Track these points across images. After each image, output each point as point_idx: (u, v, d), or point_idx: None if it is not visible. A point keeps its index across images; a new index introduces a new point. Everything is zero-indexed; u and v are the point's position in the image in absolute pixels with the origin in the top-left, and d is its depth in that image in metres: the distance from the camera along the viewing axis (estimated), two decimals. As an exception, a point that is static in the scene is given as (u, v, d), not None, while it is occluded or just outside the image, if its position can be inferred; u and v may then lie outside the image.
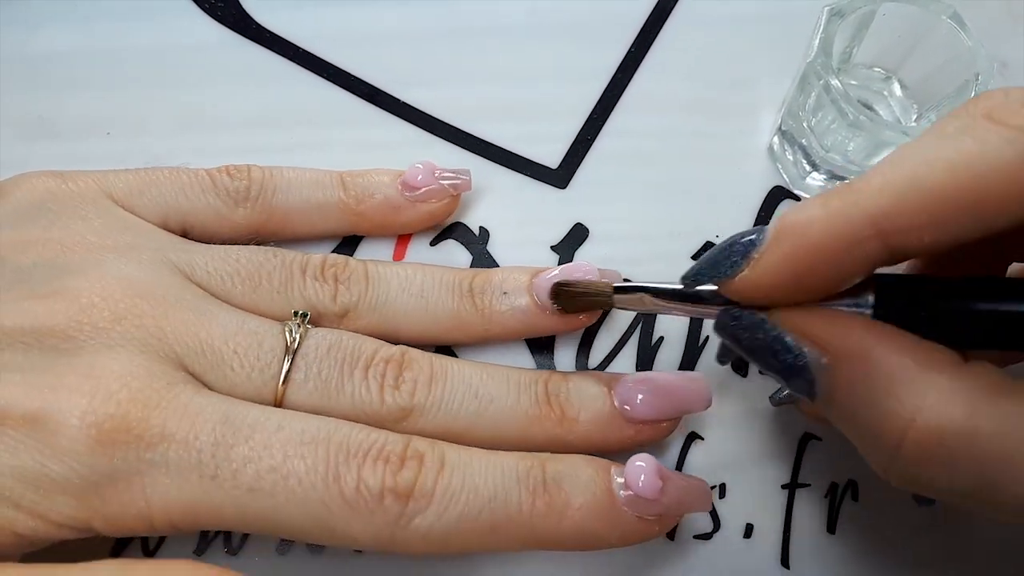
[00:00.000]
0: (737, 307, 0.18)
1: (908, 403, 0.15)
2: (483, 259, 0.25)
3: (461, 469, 0.19)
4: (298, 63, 0.26)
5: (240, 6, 0.27)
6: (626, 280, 0.22)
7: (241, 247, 0.22)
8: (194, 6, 0.27)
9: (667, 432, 0.22)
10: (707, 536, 0.23)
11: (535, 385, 0.21)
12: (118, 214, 0.22)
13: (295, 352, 0.20)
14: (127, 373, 0.18)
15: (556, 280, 0.22)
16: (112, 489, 0.18)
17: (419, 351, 0.21)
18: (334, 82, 0.26)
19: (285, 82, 0.26)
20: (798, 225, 0.16)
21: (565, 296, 0.22)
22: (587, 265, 0.23)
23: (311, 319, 0.21)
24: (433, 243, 0.25)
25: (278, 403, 0.20)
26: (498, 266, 0.25)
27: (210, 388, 0.20)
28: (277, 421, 0.19)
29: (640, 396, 0.21)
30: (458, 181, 0.24)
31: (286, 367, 0.20)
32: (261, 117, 0.26)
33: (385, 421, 0.20)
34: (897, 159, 0.16)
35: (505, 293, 0.22)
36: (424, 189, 0.24)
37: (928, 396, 0.15)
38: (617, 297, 0.20)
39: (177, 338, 0.20)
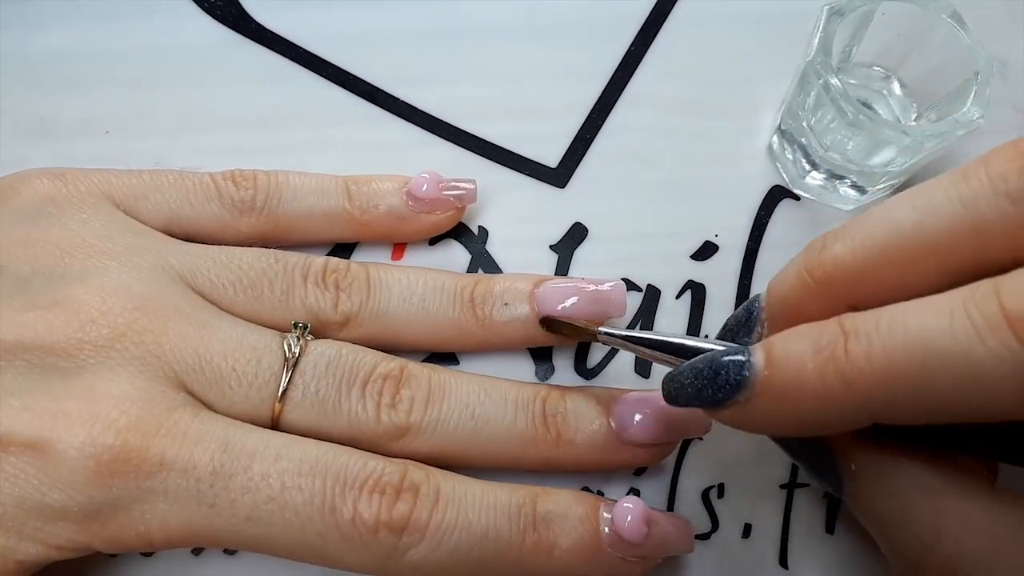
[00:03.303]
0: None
1: (930, 526, 0.15)
2: (482, 258, 0.25)
3: (455, 504, 0.19)
4: (298, 62, 0.26)
5: (240, 5, 0.27)
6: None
7: (243, 251, 0.22)
8: (194, 5, 0.27)
9: (665, 454, 0.23)
10: (706, 536, 0.23)
11: (532, 404, 0.21)
12: (119, 218, 0.22)
13: (292, 370, 0.20)
14: (126, 398, 0.19)
15: (552, 309, 0.22)
16: (112, 515, 0.18)
17: (418, 365, 0.21)
18: (334, 81, 0.26)
19: (285, 82, 0.26)
20: (788, 386, 0.16)
21: (554, 328, 0.22)
22: (573, 284, 0.22)
23: (312, 327, 0.21)
24: (432, 243, 0.25)
25: (275, 420, 0.20)
26: (497, 266, 0.25)
27: (209, 406, 0.20)
28: (275, 450, 0.19)
29: (638, 419, 0.21)
30: (463, 193, 0.24)
31: (283, 385, 0.20)
32: (260, 116, 0.26)
33: (381, 439, 0.20)
34: (897, 328, 0.14)
35: (506, 304, 0.22)
36: (429, 201, 0.23)
37: (951, 521, 0.15)
38: (603, 338, 0.21)
39: (176, 356, 0.20)
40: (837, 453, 0.17)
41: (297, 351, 0.20)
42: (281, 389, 0.20)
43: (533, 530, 0.20)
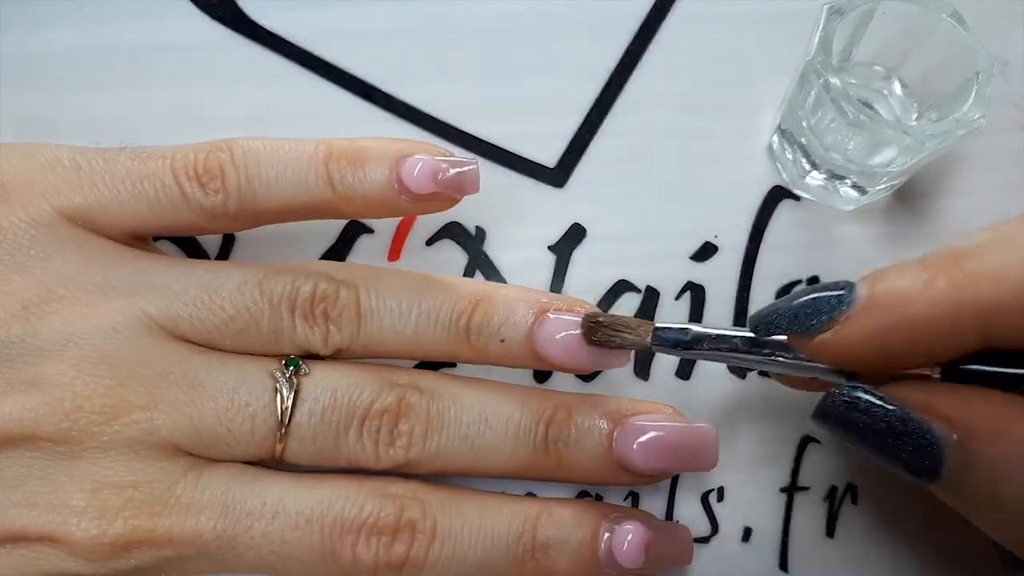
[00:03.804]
0: (848, 385, 0.17)
1: None
2: (480, 259, 0.25)
3: (452, 539, 0.20)
4: (295, 61, 0.26)
5: (236, 5, 0.27)
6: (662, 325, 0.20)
7: (226, 283, 0.20)
8: (191, 5, 0.27)
9: (665, 478, 0.23)
10: (705, 540, 0.23)
11: (534, 431, 0.21)
12: (80, 243, 0.20)
13: (288, 423, 0.20)
14: (127, 485, 0.19)
15: (584, 319, 0.21)
16: (136, 575, 0.20)
17: (416, 392, 0.21)
18: (330, 80, 0.26)
19: (282, 81, 0.26)
20: (896, 298, 0.16)
21: (596, 331, 0.21)
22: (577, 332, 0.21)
23: (304, 357, 0.21)
24: (429, 243, 0.25)
25: (278, 460, 0.20)
26: (495, 267, 0.25)
27: (210, 459, 0.20)
28: (272, 507, 0.20)
29: (641, 453, 0.21)
30: (462, 180, 0.21)
31: (281, 436, 0.20)
32: (258, 116, 0.26)
33: (381, 472, 0.21)
34: (1016, 242, 0.15)
35: (502, 341, 0.21)
36: (424, 196, 0.21)
37: None
38: (656, 340, 0.20)
39: (169, 429, 0.19)
40: (939, 425, 0.15)
41: (290, 402, 0.20)
42: (278, 443, 0.20)
43: (532, 558, 0.20)
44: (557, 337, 0.21)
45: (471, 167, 0.22)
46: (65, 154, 0.21)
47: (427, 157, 0.21)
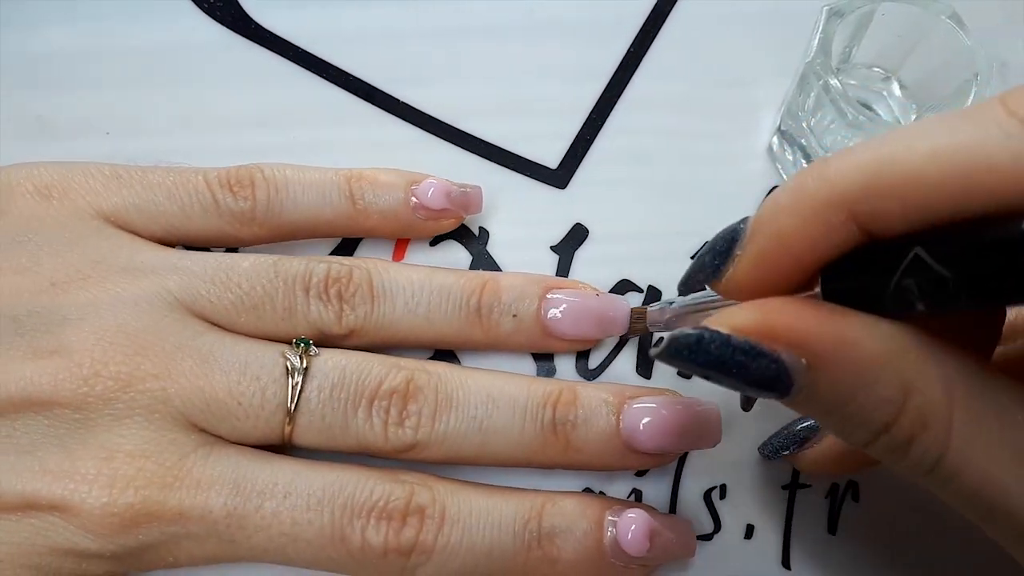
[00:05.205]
0: (691, 329, 0.16)
1: (898, 388, 0.14)
2: (483, 259, 0.25)
3: (460, 525, 0.20)
4: (297, 63, 0.26)
5: (239, 6, 0.27)
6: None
7: (242, 264, 0.21)
8: (193, 6, 0.27)
9: (671, 460, 0.23)
10: (708, 537, 0.23)
11: (542, 412, 0.21)
12: (110, 235, 0.22)
13: (298, 399, 0.20)
14: (140, 454, 0.19)
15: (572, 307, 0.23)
16: (142, 553, 0.20)
17: (424, 374, 0.21)
18: (333, 82, 0.26)
19: (284, 82, 0.26)
20: (770, 215, 0.16)
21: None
22: (581, 300, 0.23)
23: (316, 340, 0.21)
24: (433, 243, 0.25)
25: (286, 441, 0.21)
26: (498, 267, 0.25)
27: (221, 437, 0.20)
28: (284, 487, 0.20)
29: (648, 431, 0.21)
30: (468, 199, 0.24)
31: (289, 413, 0.20)
32: (259, 117, 0.26)
33: (390, 454, 0.21)
34: (879, 139, 0.15)
35: (514, 316, 0.22)
36: (436, 210, 0.23)
37: (917, 380, 0.14)
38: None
39: (182, 398, 0.20)
40: (785, 351, 0.15)
41: (300, 378, 0.20)
42: (288, 420, 0.20)
43: (538, 545, 0.20)
44: (564, 308, 0.23)
45: (476, 187, 0.24)
46: (105, 166, 0.22)
47: (438, 179, 0.23)
